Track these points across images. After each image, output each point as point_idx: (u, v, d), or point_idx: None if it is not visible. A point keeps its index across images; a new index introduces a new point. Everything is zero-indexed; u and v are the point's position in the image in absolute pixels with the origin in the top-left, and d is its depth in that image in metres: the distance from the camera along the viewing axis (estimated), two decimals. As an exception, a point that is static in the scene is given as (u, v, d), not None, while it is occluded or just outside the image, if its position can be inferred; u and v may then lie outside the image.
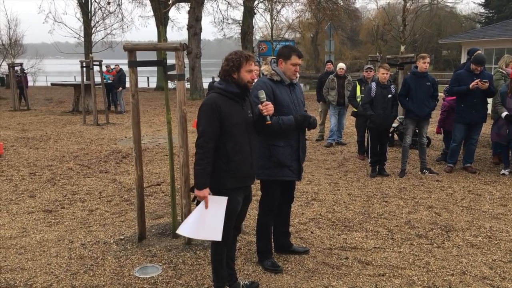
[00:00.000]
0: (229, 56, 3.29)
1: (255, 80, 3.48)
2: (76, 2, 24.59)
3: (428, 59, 6.84)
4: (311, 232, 4.82)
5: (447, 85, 7.92)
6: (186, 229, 3.22)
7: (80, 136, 11.29)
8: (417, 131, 7.38)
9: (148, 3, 29.77)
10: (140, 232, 4.51)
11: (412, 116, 6.93)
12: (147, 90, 29.42)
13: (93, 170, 7.78)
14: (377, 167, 7.20)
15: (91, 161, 8.47)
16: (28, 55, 36.40)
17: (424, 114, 6.88)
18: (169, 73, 4.26)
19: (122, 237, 4.71)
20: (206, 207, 3.17)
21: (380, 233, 4.78)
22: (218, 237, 3.17)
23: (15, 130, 12.25)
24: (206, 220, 3.17)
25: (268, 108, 3.31)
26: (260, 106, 3.33)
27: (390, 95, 6.88)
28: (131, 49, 4.15)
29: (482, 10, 47.87)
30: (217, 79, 3.47)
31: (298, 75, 3.92)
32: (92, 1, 24.60)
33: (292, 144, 3.84)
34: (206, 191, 3.15)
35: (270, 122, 3.32)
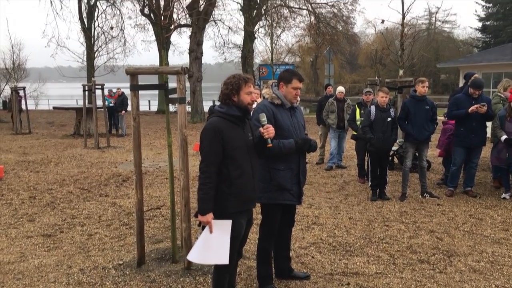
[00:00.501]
0: (228, 80, 3.34)
1: (257, 102, 3.53)
2: (80, 27, 25.00)
3: (427, 83, 6.92)
4: (312, 257, 4.78)
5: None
6: (194, 255, 3.23)
7: (81, 160, 11.30)
8: (417, 154, 7.39)
9: (151, 28, 30.27)
10: (139, 257, 4.47)
11: (412, 139, 6.95)
12: (148, 113, 29.59)
13: (93, 194, 7.76)
14: (378, 190, 7.18)
15: (91, 185, 8.46)
16: (31, 79, 36.80)
17: (423, 137, 6.90)
18: (170, 96, 4.30)
19: (121, 262, 4.66)
20: (211, 231, 3.17)
21: (382, 258, 4.73)
22: (226, 261, 3.16)
23: (16, 154, 12.27)
24: (212, 245, 3.18)
25: (269, 131, 3.35)
26: (261, 129, 3.37)
27: (389, 118, 6.93)
28: (133, 73, 4.21)
29: (479, 35, 48.62)
30: (217, 103, 3.51)
31: (299, 98, 3.96)
32: (95, 26, 25.00)
33: (292, 167, 3.85)
34: (210, 216, 3.15)
35: (271, 145, 3.36)
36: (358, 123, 8.41)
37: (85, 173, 9.54)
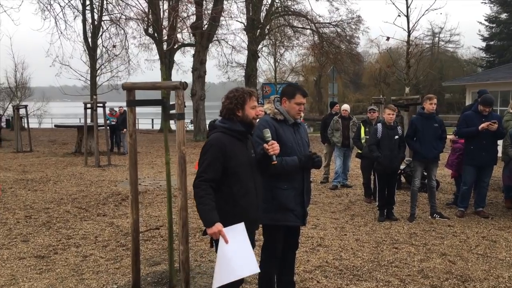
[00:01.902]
0: (231, 94, 3.16)
1: (259, 117, 3.35)
2: (82, 46, 25.14)
3: (435, 100, 6.71)
4: (318, 282, 4.50)
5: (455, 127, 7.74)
6: (220, 278, 2.88)
7: (80, 178, 11.10)
8: (425, 173, 7.14)
9: (154, 47, 30.44)
10: (134, 281, 4.21)
11: (420, 158, 6.72)
12: (151, 132, 29.51)
13: (90, 213, 7.53)
14: (385, 211, 6.91)
15: (89, 204, 8.23)
16: (35, 97, 37.04)
17: (432, 156, 6.66)
18: (168, 112, 4.12)
19: (115, 286, 4.41)
20: (226, 242, 2.87)
21: (392, 283, 4.45)
22: (256, 268, 2.89)
23: (16, 172, 12.09)
24: (234, 256, 2.86)
25: (274, 147, 3.17)
26: (265, 145, 3.18)
27: (397, 136, 6.71)
28: (130, 88, 4.03)
29: (483, 54, 48.60)
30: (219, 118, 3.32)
31: (302, 114, 3.77)
32: (99, 45, 25.14)
33: (296, 186, 3.62)
34: (218, 225, 2.88)
35: (275, 162, 3.17)
36: (363, 141, 8.20)
37: (84, 192, 9.33)
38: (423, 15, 11.78)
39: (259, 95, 25.93)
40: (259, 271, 2.90)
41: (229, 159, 2.99)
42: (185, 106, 4.03)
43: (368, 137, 8.06)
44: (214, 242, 2.97)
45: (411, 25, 10.92)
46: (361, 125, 8.29)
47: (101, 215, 7.43)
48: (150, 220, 7.04)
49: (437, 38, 55.03)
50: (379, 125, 6.79)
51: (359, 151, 8.34)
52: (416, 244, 5.69)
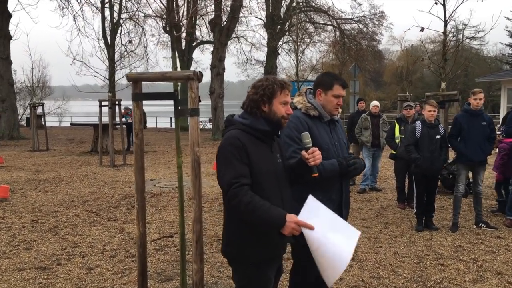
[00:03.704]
0: (259, 83, 2.51)
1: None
2: (97, 43, 24.91)
3: (480, 95, 5.94)
4: (354, 307, 3.84)
5: (499, 125, 6.96)
6: (332, 273, 2.29)
7: (94, 178, 10.64)
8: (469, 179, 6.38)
9: (173, 44, 30.06)
10: (141, 304, 3.62)
11: (465, 160, 5.96)
12: (169, 130, 29.11)
13: (101, 218, 7.01)
14: (424, 219, 6.18)
15: (100, 207, 7.72)
16: (56, 96, 37.17)
17: (479, 158, 5.90)
18: (180, 108, 3.51)
19: (120, 308, 3.84)
20: (312, 228, 2.23)
21: (443, 311, 3.76)
22: (357, 232, 2.33)
23: (29, 171, 11.72)
24: (332, 237, 2.25)
25: (316, 156, 2.50)
26: (304, 153, 2.52)
27: (438, 136, 5.97)
28: (135, 79, 3.43)
29: (510, 51, 46.84)
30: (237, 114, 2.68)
31: (340, 110, 3.11)
32: (117, 42, 24.92)
33: (332, 198, 2.97)
34: (291, 217, 2.24)
35: (317, 174, 2.53)
36: (397, 140, 7.48)
37: (96, 194, 8.84)
38: (462, 2, 10.79)
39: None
40: (359, 232, 2.32)
41: (252, 164, 2.36)
42: (200, 101, 3.42)
43: (402, 136, 7.34)
44: (298, 240, 2.31)
45: (447, 15, 10.11)
46: (396, 123, 7.56)
47: (112, 219, 6.90)
48: (164, 227, 6.48)
49: (460, 35, 53.43)
50: (418, 123, 6.06)
51: (393, 152, 7.61)
52: (465, 260, 4.95)
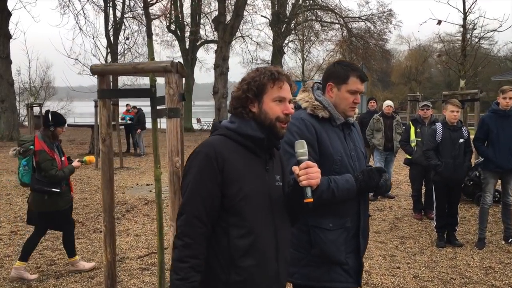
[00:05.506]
0: (246, 75, 1.85)
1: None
2: (93, 40, 24.45)
3: (510, 93, 5.22)
4: None
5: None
6: None
7: (87, 183, 10.03)
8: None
9: (177, 44, 29.56)
10: None
11: (493, 167, 5.24)
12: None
13: (86, 229, 6.37)
14: (445, 233, 5.48)
15: (88, 216, 7.10)
16: (59, 96, 36.83)
17: (509, 166, 5.17)
18: (158, 107, 2.85)
19: None
20: None
21: None
22: None
23: (20, 175, 11.13)
24: None
25: (310, 174, 1.76)
26: (295, 168, 1.79)
27: (462, 140, 5.27)
28: (101, 72, 2.78)
29: (519, 51, 45.77)
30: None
31: (356, 110, 2.42)
32: (120, 41, 24.48)
33: (347, 225, 2.28)
34: None
35: (311, 200, 1.75)
36: (413, 144, 6.78)
37: (87, 200, 8.22)
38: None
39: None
40: None
41: (230, 183, 1.70)
42: (183, 100, 2.76)
43: (418, 139, 6.64)
44: None
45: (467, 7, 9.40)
46: (411, 124, 6.85)
47: (98, 231, 6.26)
48: (154, 240, 5.83)
49: (468, 35, 52.38)
50: (439, 125, 5.36)
51: (408, 157, 6.90)
52: (498, 286, 4.25)
